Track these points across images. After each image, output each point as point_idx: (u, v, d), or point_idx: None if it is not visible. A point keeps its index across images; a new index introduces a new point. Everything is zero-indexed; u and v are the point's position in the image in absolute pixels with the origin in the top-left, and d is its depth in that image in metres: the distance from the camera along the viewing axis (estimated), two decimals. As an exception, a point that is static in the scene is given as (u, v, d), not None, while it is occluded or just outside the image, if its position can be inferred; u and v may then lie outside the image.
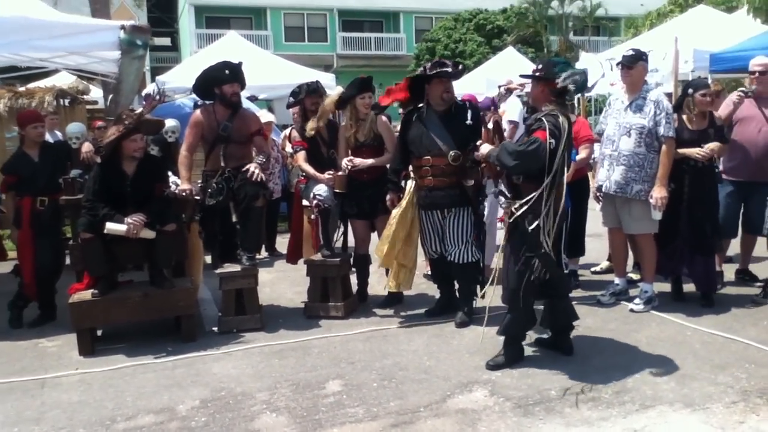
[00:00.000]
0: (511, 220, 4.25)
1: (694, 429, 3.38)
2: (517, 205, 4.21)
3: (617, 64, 5.48)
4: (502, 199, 4.44)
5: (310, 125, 5.69)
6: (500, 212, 6.89)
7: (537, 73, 4.35)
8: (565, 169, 4.16)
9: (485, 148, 4.49)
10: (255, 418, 3.70)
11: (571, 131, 4.27)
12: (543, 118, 4.13)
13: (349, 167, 5.46)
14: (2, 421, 3.80)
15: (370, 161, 5.50)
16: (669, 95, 8.21)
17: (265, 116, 7.85)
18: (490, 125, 5.82)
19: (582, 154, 5.74)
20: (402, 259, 5.33)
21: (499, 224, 6.90)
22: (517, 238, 4.25)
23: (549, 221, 4.13)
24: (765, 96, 5.74)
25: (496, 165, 4.34)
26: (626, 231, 5.47)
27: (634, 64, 5.25)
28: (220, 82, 5.35)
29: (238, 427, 3.61)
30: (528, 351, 4.50)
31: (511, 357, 4.35)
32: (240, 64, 5.49)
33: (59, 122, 8.90)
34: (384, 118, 5.74)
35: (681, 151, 5.21)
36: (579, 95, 11.57)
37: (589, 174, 6.16)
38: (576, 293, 5.86)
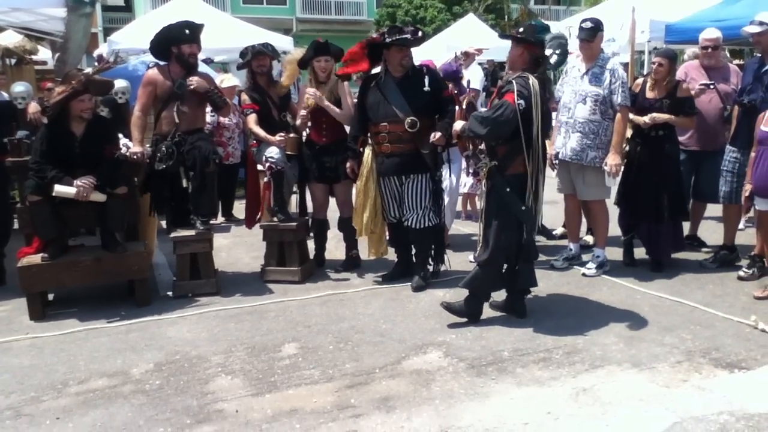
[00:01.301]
0: (486, 180, 4.33)
1: (640, 387, 3.49)
2: (491, 165, 4.26)
3: (578, 38, 5.49)
4: (479, 161, 4.47)
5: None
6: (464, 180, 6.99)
7: (518, 35, 4.34)
8: (539, 130, 4.19)
9: (458, 125, 4.51)
10: (210, 381, 3.69)
11: (545, 93, 4.28)
12: (513, 80, 4.17)
13: (312, 97, 5.39)
14: (-51, 386, 3.72)
15: (329, 104, 5.41)
16: (625, 65, 8.31)
17: (229, 80, 7.69)
18: (464, 106, 5.84)
19: None
20: (372, 226, 5.35)
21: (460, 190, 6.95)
22: (494, 198, 4.29)
23: (528, 180, 4.20)
24: (716, 68, 5.85)
25: (470, 137, 4.35)
26: (580, 197, 5.57)
27: (593, 38, 5.28)
28: (179, 41, 5.21)
29: (192, 389, 3.60)
30: (483, 313, 4.56)
31: (470, 311, 4.42)
32: (201, 25, 5.36)
33: (6, 83, 8.57)
34: (346, 82, 5.68)
35: (632, 117, 5.31)
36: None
37: (547, 141, 6.21)
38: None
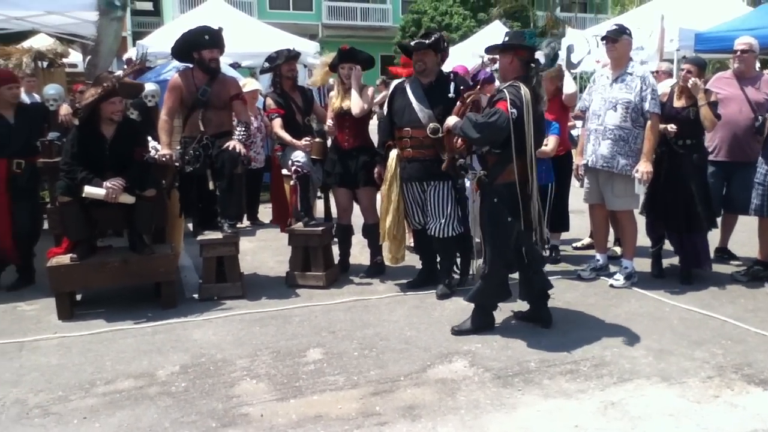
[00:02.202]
0: (478, 192, 4.31)
1: (670, 402, 3.43)
2: (482, 176, 4.24)
3: (602, 39, 5.46)
4: (469, 172, 4.44)
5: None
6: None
7: (504, 43, 4.31)
8: (531, 140, 4.16)
9: (451, 120, 4.44)
10: (235, 384, 3.70)
11: (536, 103, 4.24)
12: (504, 89, 4.15)
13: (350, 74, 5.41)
14: (-21, 382, 3.77)
15: (355, 90, 5.42)
16: (654, 74, 8.23)
17: (251, 84, 7.74)
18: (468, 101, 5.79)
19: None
20: (395, 231, 5.34)
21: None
22: (486, 209, 4.27)
23: (520, 191, 4.18)
24: (747, 76, 5.75)
25: (460, 137, 4.31)
26: (608, 207, 5.50)
27: (618, 37, 5.23)
28: (199, 47, 5.26)
29: (218, 392, 3.60)
30: (508, 324, 4.54)
31: (478, 325, 4.39)
32: (220, 29, 5.40)
33: (37, 85, 8.72)
34: (371, 88, 5.70)
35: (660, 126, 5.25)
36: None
37: (573, 151, 6.16)
38: (557, 268, 5.93)
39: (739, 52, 5.74)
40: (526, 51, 4.28)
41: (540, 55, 4.52)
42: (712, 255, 5.76)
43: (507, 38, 4.36)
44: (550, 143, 5.50)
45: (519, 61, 4.26)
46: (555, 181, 5.78)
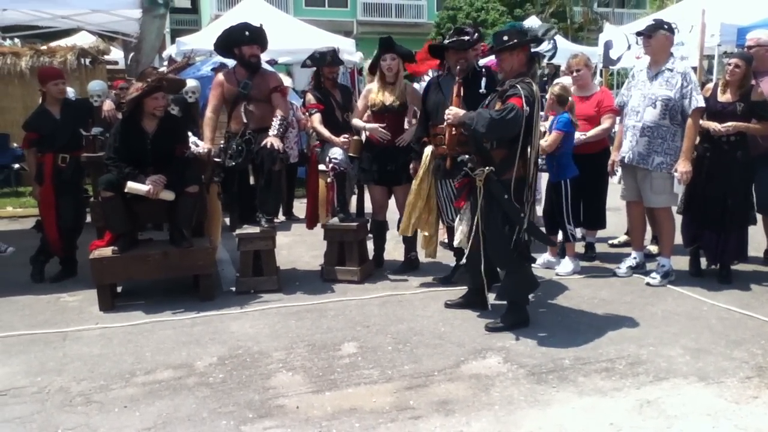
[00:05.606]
0: (483, 187, 4.27)
1: (707, 402, 3.39)
2: (488, 171, 4.23)
3: (636, 34, 5.39)
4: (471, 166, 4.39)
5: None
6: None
7: (510, 42, 4.25)
8: (538, 136, 4.28)
9: (456, 111, 4.40)
10: (271, 376, 3.76)
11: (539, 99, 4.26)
12: (518, 85, 4.15)
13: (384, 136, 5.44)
14: (26, 370, 3.89)
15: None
16: (694, 69, 8.08)
17: (283, 80, 7.79)
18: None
19: (605, 124, 5.69)
20: (423, 227, 5.35)
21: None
22: (496, 206, 4.26)
23: (523, 185, 4.24)
24: (761, 70, 5.60)
25: (467, 130, 4.27)
26: (647, 204, 5.44)
27: (653, 33, 5.16)
28: (240, 43, 5.36)
29: (255, 384, 3.67)
30: (542, 320, 4.52)
31: (512, 321, 4.39)
32: (261, 27, 5.48)
33: (75, 80, 8.95)
34: (415, 85, 5.71)
35: (703, 123, 5.15)
36: (602, 68, 11.48)
37: (610, 147, 6.09)
38: (593, 265, 5.88)
39: (745, 48, 5.62)
40: (529, 45, 4.30)
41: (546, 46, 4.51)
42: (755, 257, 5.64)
43: (506, 38, 4.27)
44: (549, 139, 5.41)
45: (525, 56, 4.28)
46: (593, 178, 5.69)
